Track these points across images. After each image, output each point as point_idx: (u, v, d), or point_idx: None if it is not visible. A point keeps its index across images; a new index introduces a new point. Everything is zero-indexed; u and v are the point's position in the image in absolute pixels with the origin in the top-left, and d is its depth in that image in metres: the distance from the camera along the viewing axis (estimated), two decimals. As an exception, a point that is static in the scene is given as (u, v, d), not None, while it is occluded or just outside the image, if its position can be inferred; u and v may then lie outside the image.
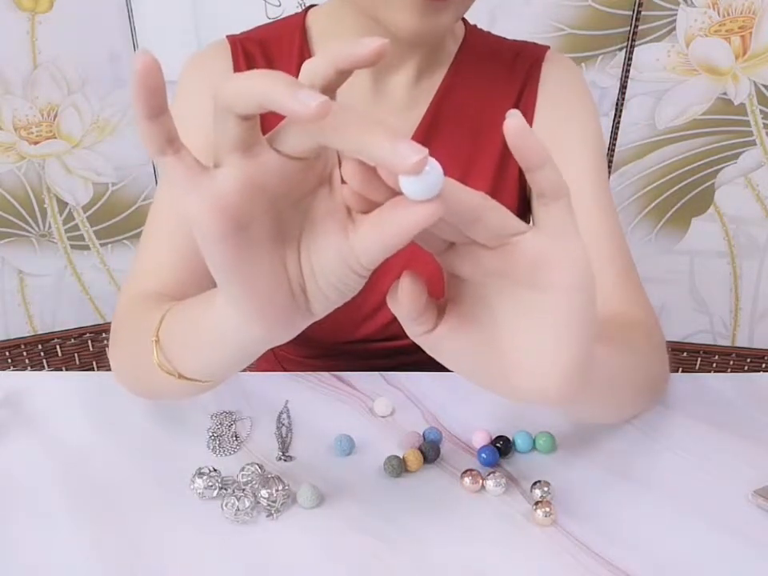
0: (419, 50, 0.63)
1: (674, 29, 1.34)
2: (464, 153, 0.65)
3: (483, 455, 0.55)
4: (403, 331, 0.60)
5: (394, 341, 0.70)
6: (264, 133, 0.32)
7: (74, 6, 1.32)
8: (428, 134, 0.65)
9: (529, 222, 0.67)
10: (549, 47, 0.68)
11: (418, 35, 0.53)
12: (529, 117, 0.64)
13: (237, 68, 0.64)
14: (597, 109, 0.68)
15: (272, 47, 0.65)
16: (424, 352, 0.70)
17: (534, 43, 0.69)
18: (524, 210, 0.68)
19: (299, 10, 0.71)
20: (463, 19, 0.68)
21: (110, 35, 1.37)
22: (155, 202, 0.65)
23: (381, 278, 0.66)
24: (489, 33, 0.69)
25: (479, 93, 0.65)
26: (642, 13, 1.32)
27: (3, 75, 1.33)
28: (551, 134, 0.64)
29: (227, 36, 0.67)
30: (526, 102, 0.65)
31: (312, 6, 0.68)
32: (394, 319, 0.66)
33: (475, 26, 0.69)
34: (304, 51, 0.64)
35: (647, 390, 0.58)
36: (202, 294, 0.42)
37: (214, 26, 1.33)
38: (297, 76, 0.60)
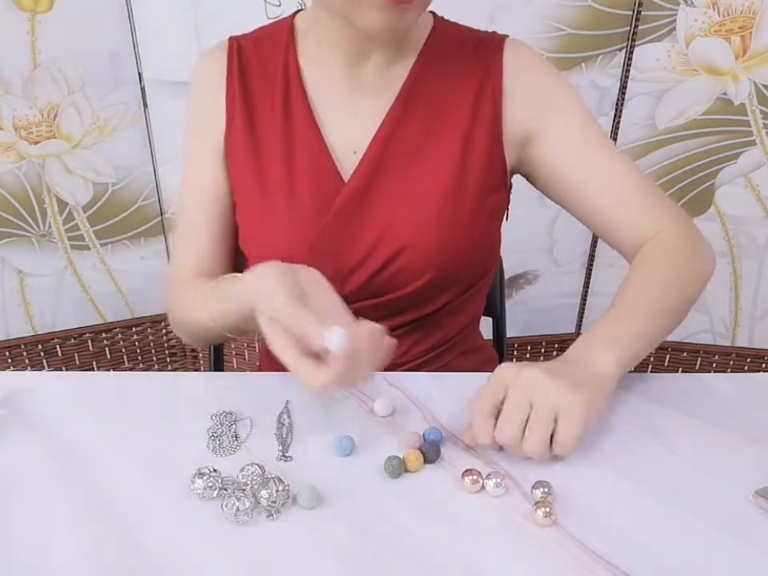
0: (386, 43, 0.68)
1: (674, 29, 1.34)
2: (434, 129, 0.70)
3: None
4: (388, 287, 0.74)
5: (380, 297, 0.73)
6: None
7: (74, 5, 1.32)
8: (400, 114, 0.70)
9: (502, 192, 0.75)
10: (507, 35, 0.73)
11: (386, 32, 0.60)
12: (497, 96, 0.70)
13: (230, 63, 0.73)
14: (561, 75, 0.74)
15: (263, 45, 0.73)
16: (411, 312, 0.79)
17: (494, 32, 0.74)
18: (495, 183, 0.73)
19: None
20: (432, 12, 0.74)
21: (110, 35, 1.37)
22: (183, 197, 0.77)
23: (362, 232, 0.70)
24: (455, 23, 0.74)
25: (446, 76, 0.71)
26: (642, 13, 1.32)
27: (3, 75, 1.33)
28: (530, 103, 0.71)
29: (229, 37, 0.75)
30: (493, 84, 0.70)
31: (300, 10, 0.76)
32: (377, 272, 0.71)
33: (442, 17, 0.74)
34: (289, 48, 0.72)
35: (690, 296, 0.69)
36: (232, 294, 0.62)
37: (214, 26, 1.33)
38: (282, 61, 0.73)
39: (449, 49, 0.71)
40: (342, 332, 0.50)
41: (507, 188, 0.76)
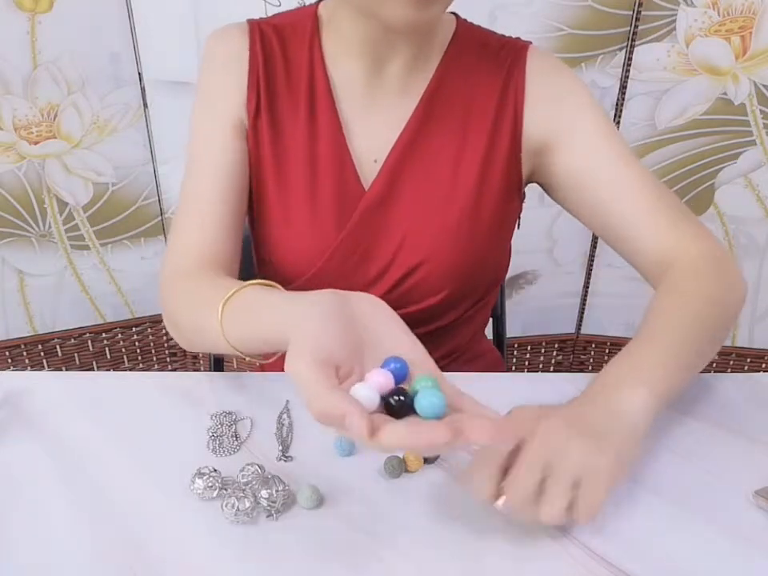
0: (410, 41, 0.66)
1: (674, 29, 1.34)
2: (455, 137, 0.69)
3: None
4: (404, 302, 0.69)
5: (401, 309, 0.71)
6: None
7: (74, 5, 1.32)
8: (421, 122, 0.68)
9: (516, 202, 0.73)
10: (531, 42, 0.72)
11: (412, 27, 0.57)
12: (519, 103, 0.69)
13: (252, 46, 0.69)
14: (585, 84, 0.72)
15: (286, 31, 0.70)
16: (423, 326, 0.73)
17: (518, 38, 0.73)
18: (511, 193, 0.71)
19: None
20: (455, 14, 0.72)
21: (109, 35, 1.37)
22: (185, 186, 0.71)
23: (379, 244, 0.69)
24: (478, 26, 0.73)
25: (468, 81, 0.69)
26: (642, 13, 1.32)
27: (3, 75, 1.33)
28: (549, 112, 0.69)
29: (247, 19, 0.72)
30: (514, 90, 0.69)
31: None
32: (394, 286, 0.69)
33: (465, 20, 0.72)
34: (314, 36, 0.69)
35: (720, 328, 0.62)
36: (272, 306, 0.52)
37: (214, 27, 1.32)
38: (307, 56, 0.70)
39: (471, 54, 0.70)
40: (366, 386, 0.41)
41: (521, 197, 0.75)
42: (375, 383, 0.41)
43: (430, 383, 0.42)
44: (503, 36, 0.72)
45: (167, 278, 0.68)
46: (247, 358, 0.56)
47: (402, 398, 0.41)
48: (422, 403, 0.41)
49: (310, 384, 0.40)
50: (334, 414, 0.39)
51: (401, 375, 0.43)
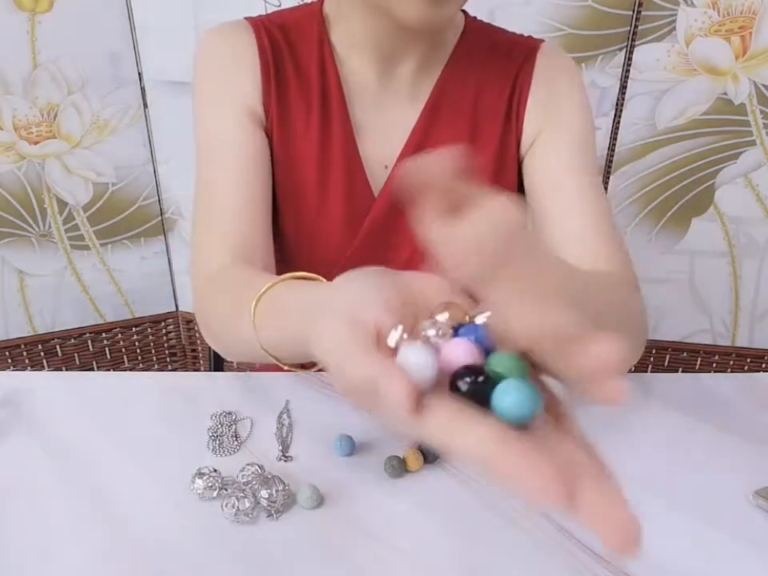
0: (422, 40, 0.64)
1: (674, 29, 1.33)
2: (464, 139, 0.67)
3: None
4: None
5: None
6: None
7: (74, 5, 1.32)
8: (429, 121, 0.67)
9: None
10: (543, 40, 0.70)
11: (426, 25, 0.55)
12: (522, 103, 0.67)
13: (260, 43, 0.66)
14: (587, 97, 0.70)
15: (291, 31, 0.67)
16: None
17: (530, 36, 0.71)
18: (522, 195, 0.70)
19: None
20: (464, 11, 0.70)
21: (109, 35, 1.37)
22: (201, 185, 0.65)
23: (394, 251, 0.68)
24: (488, 24, 0.71)
25: (477, 81, 0.68)
26: (642, 13, 1.32)
27: (3, 75, 1.33)
28: (541, 112, 0.67)
29: (246, 17, 0.68)
30: (520, 91, 0.68)
31: None
32: None
33: (474, 17, 0.71)
34: (323, 35, 0.66)
35: (628, 330, 0.55)
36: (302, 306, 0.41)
37: (214, 26, 1.33)
38: (317, 56, 0.67)
39: (480, 53, 0.68)
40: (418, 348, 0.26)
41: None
42: (434, 347, 0.26)
43: (517, 367, 0.25)
44: (515, 34, 0.71)
45: (200, 287, 0.62)
46: (285, 367, 0.48)
47: (478, 379, 0.25)
48: (504, 400, 0.24)
49: (336, 350, 0.28)
50: (364, 385, 0.26)
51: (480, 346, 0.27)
